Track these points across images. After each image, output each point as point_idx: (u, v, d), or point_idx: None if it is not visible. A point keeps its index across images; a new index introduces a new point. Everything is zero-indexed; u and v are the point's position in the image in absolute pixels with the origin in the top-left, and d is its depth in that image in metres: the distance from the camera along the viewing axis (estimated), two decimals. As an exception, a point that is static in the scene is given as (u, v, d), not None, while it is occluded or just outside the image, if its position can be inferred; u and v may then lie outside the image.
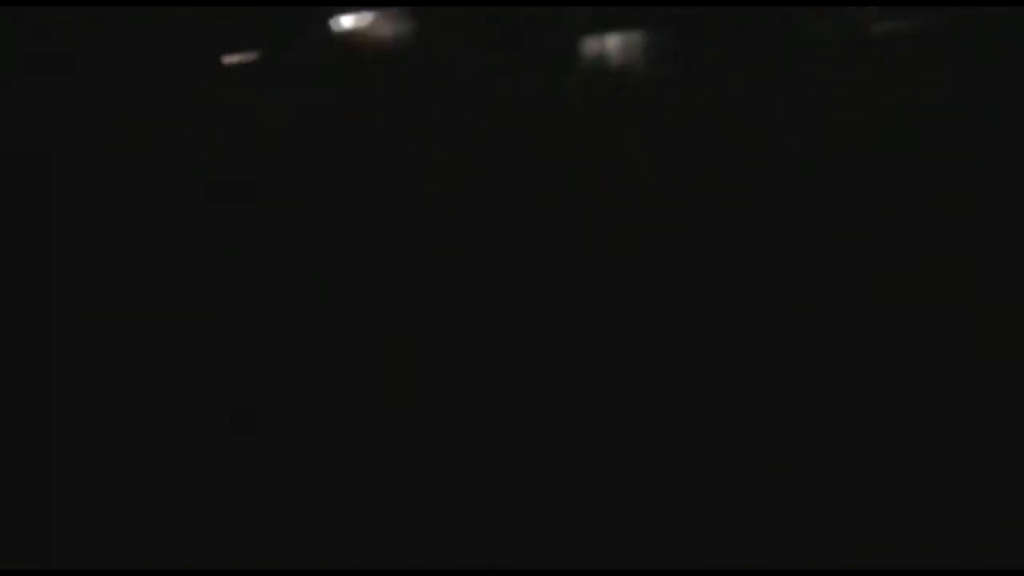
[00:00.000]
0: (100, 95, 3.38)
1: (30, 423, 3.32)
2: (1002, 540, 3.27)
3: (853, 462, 3.32)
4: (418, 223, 3.39)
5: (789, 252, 3.37)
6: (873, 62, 3.38)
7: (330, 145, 3.40)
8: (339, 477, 3.32)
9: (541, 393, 3.35)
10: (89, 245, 3.38)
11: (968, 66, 3.38)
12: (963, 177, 3.37)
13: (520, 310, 3.37)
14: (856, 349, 3.35)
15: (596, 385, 3.35)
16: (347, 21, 3.39)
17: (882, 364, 3.34)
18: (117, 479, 3.32)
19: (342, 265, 3.37)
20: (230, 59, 3.34)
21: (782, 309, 3.36)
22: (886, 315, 3.35)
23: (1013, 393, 3.31)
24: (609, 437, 3.33)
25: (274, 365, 3.36)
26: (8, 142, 3.33)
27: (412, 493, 3.32)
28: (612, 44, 3.39)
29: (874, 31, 3.38)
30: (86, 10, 3.37)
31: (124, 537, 3.30)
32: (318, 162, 3.39)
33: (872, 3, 3.37)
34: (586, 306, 3.37)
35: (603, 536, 3.31)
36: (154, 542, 3.30)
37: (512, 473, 3.33)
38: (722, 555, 3.31)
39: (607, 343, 3.36)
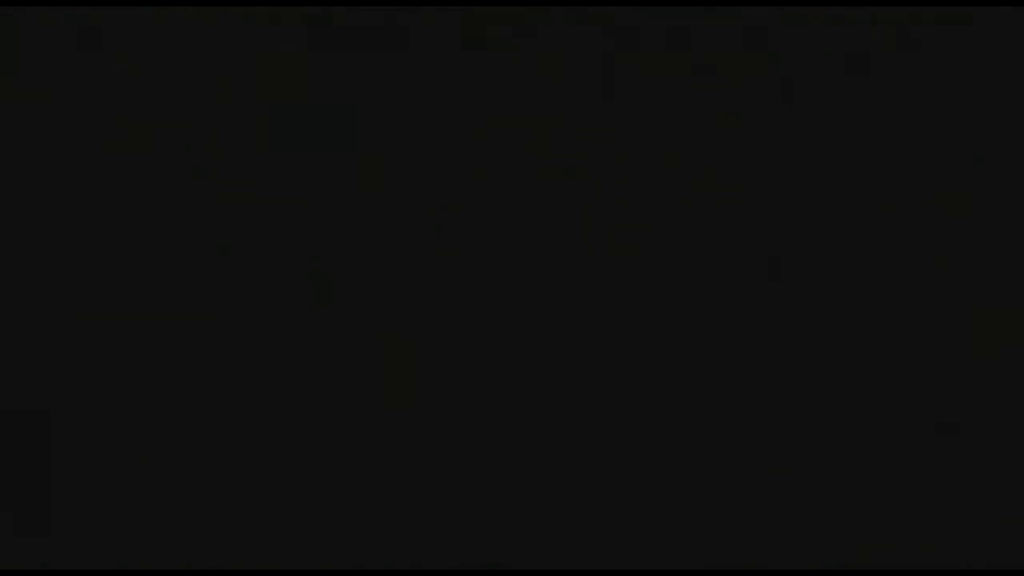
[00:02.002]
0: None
1: (31, 423, 3.31)
2: (1002, 540, 3.27)
3: (852, 463, 3.32)
4: (416, 224, 3.38)
5: (786, 253, 3.37)
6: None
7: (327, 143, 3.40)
8: (339, 477, 3.32)
9: (540, 393, 3.34)
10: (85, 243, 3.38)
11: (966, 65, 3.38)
12: (962, 178, 3.37)
13: (517, 311, 3.37)
14: (854, 349, 3.35)
15: (594, 385, 3.35)
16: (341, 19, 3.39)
17: (880, 365, 3.34)
18: (117, 479, 3.31)
19: (341, 265, 3.37)
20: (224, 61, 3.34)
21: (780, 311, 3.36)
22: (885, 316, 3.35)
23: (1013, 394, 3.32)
24: (607, 437, 3.33)
25: (272, 368, 3.36)
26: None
27: (412, 493, 3.32)
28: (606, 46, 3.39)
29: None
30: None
31: (124, 537, 3.29)
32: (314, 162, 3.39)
33: (873, 3, 3.36)
34: (584, 307, 3.37)
35: (602, 535, 3.30)
36: (154, 542, 3.29)
37: (512, 473, 3.33)
38: (721, 555, 3.30)
39: (602, 344, 3.36)
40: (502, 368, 3.34)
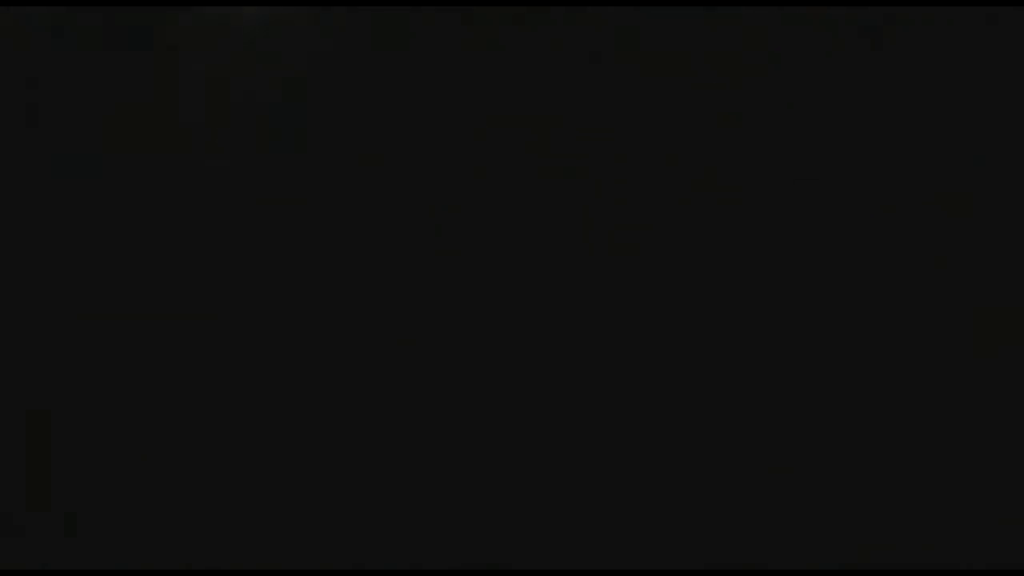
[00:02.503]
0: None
1: (30, 422, 3.32)
2: (1002, 540, 3.27)
3: (851, 463, 3.32)
4: (415, 223, 3.39)
5: (786, 252, 3.37)
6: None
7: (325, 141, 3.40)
8: (339, 477, 3.33)
9: (541, 393, 3.35)
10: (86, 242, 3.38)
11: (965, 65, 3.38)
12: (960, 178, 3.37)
13: (518, 310, 3.37)
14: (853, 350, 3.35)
15: (593, 386, 3.35)
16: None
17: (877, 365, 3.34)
18: (117, 479, 3.32)
19: (341, 265, 3.37)
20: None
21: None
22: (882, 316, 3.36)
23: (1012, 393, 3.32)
24: (607, 437, 3.33)
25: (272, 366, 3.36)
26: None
27: (412, 494, 3.32)
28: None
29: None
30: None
31: (124, 537, 3.30)
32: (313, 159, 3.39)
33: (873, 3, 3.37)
34: (582, 306, 3.37)
35: (601, 536, 3.31)
36: (154, 542, 3.30)
37: (511, 474, 3.33)
38: (720, 555, 3.31)
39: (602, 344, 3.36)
40: (502, 368, 3.34)
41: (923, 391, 3.31)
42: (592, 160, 3.38)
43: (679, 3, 3.36)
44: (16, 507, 3.29)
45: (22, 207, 3.37)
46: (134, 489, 3.31)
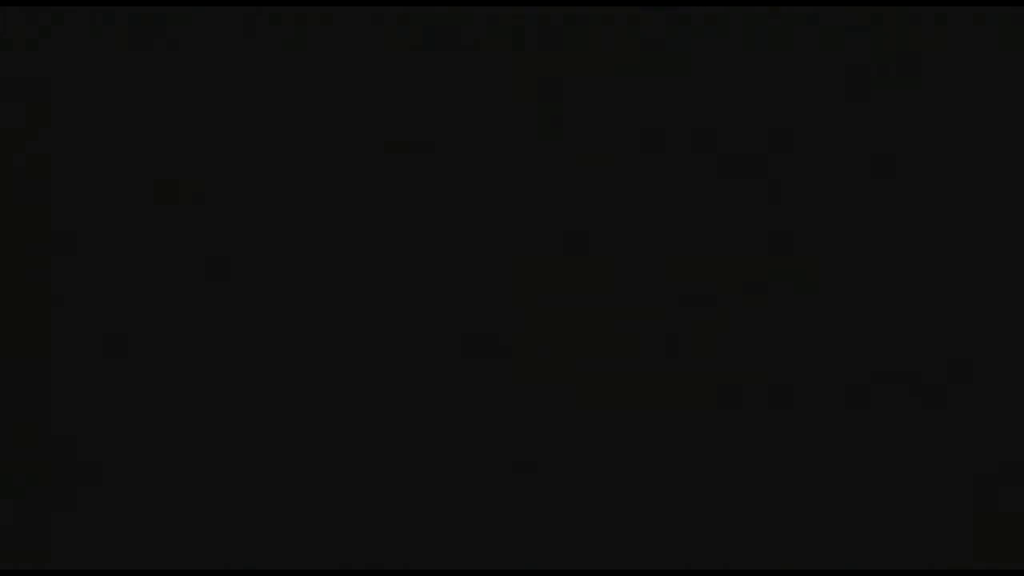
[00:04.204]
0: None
1: (30, 423, 3.33)
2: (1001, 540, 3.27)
3: (846, 467, 3.32)
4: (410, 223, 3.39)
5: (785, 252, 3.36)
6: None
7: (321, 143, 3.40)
8: (338, 479, 3.33)
9: (541, 393, 3.34)
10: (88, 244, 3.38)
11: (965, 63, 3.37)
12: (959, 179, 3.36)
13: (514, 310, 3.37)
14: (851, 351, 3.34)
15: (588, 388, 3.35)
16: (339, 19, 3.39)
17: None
18: (117, 480, 3.32)
19: (340, 265, 3.37)
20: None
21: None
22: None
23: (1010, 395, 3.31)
24: (606, 439, 3.33)
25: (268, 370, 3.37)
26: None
27: (411, 495, 3.33)
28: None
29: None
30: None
31: (124, 537, 3.30)
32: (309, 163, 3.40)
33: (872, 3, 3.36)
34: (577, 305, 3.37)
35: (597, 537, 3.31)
36: (154, 542, 3.30)
37: (511, 476, 3.33)
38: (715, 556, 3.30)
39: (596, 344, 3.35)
40: (502, 369, 3.34)
41: (920, 392, 3.31)
42: (592, 160, 3.38)
43: (679, 3, 3.35)
44: (16, 508, 3.30)
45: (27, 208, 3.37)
46: (134, 490, 3.31)
